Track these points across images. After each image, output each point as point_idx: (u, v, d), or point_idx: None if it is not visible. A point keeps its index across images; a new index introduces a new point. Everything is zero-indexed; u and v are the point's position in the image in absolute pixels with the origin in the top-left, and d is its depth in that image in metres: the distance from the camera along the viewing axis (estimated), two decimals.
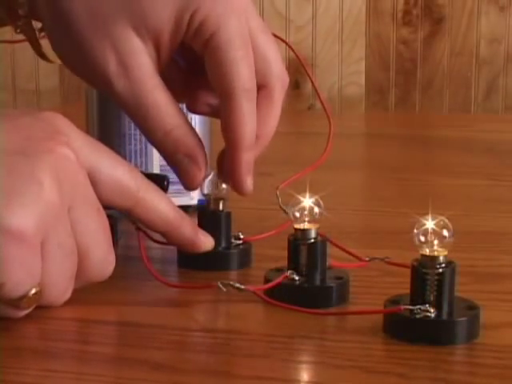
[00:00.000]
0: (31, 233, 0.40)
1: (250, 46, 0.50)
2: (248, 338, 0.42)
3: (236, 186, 0.50)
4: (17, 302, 0.42)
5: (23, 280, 0.41)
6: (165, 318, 0.45)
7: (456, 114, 1.60)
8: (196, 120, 0.66)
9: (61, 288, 0.44)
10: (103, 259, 0.45)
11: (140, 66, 0.49)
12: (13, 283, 0.41)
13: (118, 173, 0.46)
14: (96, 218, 0.44)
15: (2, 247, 0.40)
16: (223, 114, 0.50)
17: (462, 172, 0.87)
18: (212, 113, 0.53)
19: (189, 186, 0.51)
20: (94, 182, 0.45)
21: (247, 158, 0.50)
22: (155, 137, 0.50)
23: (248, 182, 0.50)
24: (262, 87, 0.51)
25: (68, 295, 0.44)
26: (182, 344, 0.42)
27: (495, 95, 1.63)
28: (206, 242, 0.50)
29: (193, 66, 0.53)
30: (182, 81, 0.53)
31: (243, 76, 0.49)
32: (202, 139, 0.63)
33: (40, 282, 0.42)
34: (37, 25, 0.56)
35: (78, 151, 0.44)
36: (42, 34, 0.57)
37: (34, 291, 0.42)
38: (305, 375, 0.40)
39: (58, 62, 0.57)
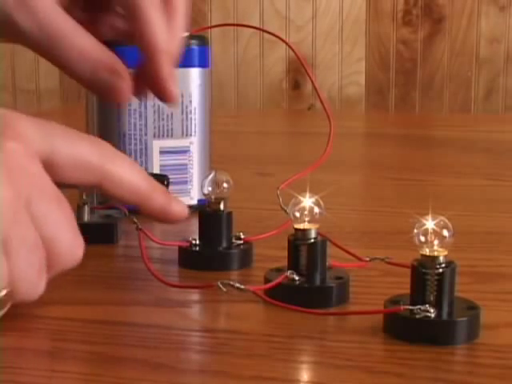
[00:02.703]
0: None
1: None
2: (248, 337, 0.42)
3: (162, 93, 0.51)
4: None
5: None
6: (165, 318, 0.45)
7: (456, 114, 1.61)
8: (196, 120, 0.66)
9: (31, 283, 0.42)
10: (70, 246, 0.44)
11: None
12: None
13: (77, 150, 0.45)
14: (56, 206, 0.43)
15: None
16: (134, 25, 0.51)
17: (462, 172, 0.87)
18: (117, 35, 0.54)
19: (118, 100, 0.51)
20: (54, 164, 0.44)
21: (167, 62, 0.51)
22: (70, 60, 0.49)
23: (173, 87, 0.51)
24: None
25: (41, 288, 0.43)
26: (182, 344, 0.42)
27: (495, 95, 1.63)
28: (180, 211, 0.48)
29: None
30: (80, 14, 0.54)
31: None
32: (202, 138, 0.63)
33: (9, 281, 0.41)
34: None
35: (30, 141, 0.43)
36: None
37: (3, 293, 0.41)
38: (305, 375, 0.40)
39: None
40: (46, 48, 0.49)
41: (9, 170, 0.41)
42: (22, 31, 0.49)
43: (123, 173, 0.46)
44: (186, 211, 0.49)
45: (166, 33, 0.51)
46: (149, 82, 0.51)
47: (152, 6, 0.51)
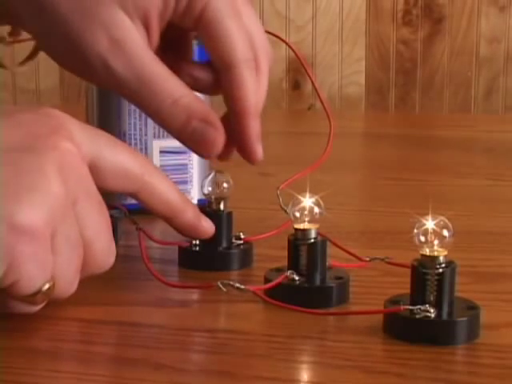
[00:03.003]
0: (42, 229, 0.40)
1: (241, 16, 0.50)
2: (248, 337, 0.42)
3: (249, 154, 0.50)
4: (31, 298, 0.42)
5: (36, 276, 0.41)
6: (165, 318, 0.45)
7: (456, 114, 1.60)
8: None
9: (69, 281, 0.44)
10: (106, 250, 0.45)
11: (133, 40, 0.48)
12: (26, 280, 0.40)
13: (120, 158, 0.46)
14: (98, 210, 0.44)
15: (14, 244, 0.39)
16: (227, 85, 0.49)
17: (462, 172, 0.87)
18: (195, 85, 0.52)
19: (210, 152, 0.50)
20: (98, 169, 0.45)
21: (256, 125, 0.50)
22: (163, 108, 0.48)
23: (260, 149, 0.50)
24: None
25: (74, 288, 0.44)
26: (182, 344, 0.42)
27: (495, 95, 1.63)
28: (207, 227, 0.50)
29: (169, 44, 0.52)
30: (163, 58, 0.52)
31: (242, 46, 0.49)
32: None
33: (52, 275, 0.42)
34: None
35: (79, 144, 0.44)
36: (11, 38, 0.57)
37: (47, 286, 0.42)
38: (305, 375, 0.40)
39: (13, 68, 0.57)
40: (137, 93, 0.48)
41: (62, 169, 0.42)
42: (115, 75, 0.48)
43: (160, 185, 0.48)
44: (213, 229, 0.51)
45: (256, 96, 0.50)
46: (235, 140, 0.50)
47: (248, 69, 0.49)
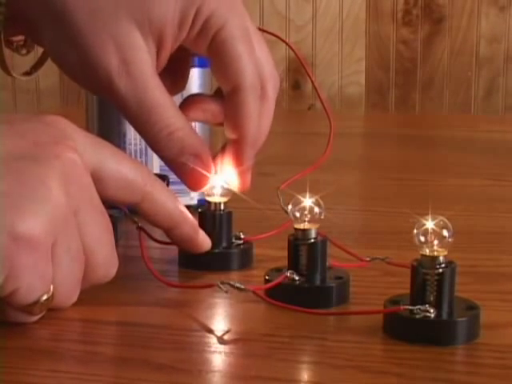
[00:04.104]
0: (42, 239, 0.40)
1: (252, 43, 0.50)
2: (248, 337, 0.42)
3: (239, 181, 0.51)
4: (29, 308, 0.42)
5: (36, 286, 0.41)
6: (165, 318, 0.45)
7: (456, 114, 1.61)
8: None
9: (70, 291, 0.44)
10: (108, 261, 0.45)
11: (142, 64, 0.48)
12: (25, 290, 0.40)
13: (123, 169, 0.46)
14: (100, 220, 0.44)
15: (15, 254, 0.39)
16: (230, 109, 0.50)
17: (462, 172, 0.87)
18: (205, 119, 0.53)
19: (195, 187, 0.51)
20: (100, 179, 0.45)
21: (251, 154, 0.51)
22: (158, 137, 0.49)
23: (249, 179, 0.51)
24: None
25: (75, 298, 0.44)
26: (182, 344, 0.42)
27: (495, 95, 1.63)
28: (204, 242, 0.51)
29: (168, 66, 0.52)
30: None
31: (250, 72, 0.49)
32: (202, 138, 0.63)
33: (51, 286, 0.42)
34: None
35: (82, 153, 0.44)
36: (24, 50, 0.57)
37: (46, 297, 0.42)
38: (305, 375, 0.40)
39: (17, 76, 0.57)
40: (136, 118, 0.49)
41: (65, 179, 0.42)
42: (118, 94, 0.48)
43: (161, 197, 0.48)
44: (209, 244, 0.51)
45: (258, 127, 0.51)
46: (227, 163, 0.51)
47: (253, 95, 0.50)
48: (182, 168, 0.50)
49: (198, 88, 0.66)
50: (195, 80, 0.66)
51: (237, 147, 0.50)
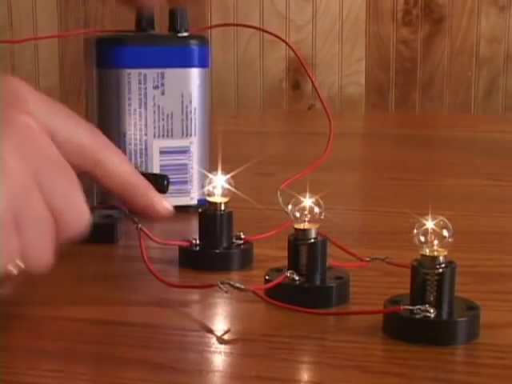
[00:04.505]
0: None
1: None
2: (248, 337, 0.42)
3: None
4: None
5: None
6: (165, 318, 0.45)
7: (456, 114, 1.60)
8: (196, 120, 0.66)
9: (44, 254, 0.43)
10: (78, 214, 0.44)
11: None
12: None
13: (77, 134, 0.46)
14: (63, 176, 0.44)
15: None
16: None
17: (462, 172, 0.87)
18: None
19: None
20: (53, 142, 0.44)
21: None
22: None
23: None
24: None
25: (51, 259, 0.43)
26: (182, 344, 0.42)
27: (495, 95, 1.63)
28: (163, 208, 0.49)
29: None
30: None
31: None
32: (202, 138, 0.63)
33: (21, 254, 0.41)
34: None
35: (37, 115, 0.43)
36: None
37: (11, 267, 0.41)
38: (305, 375, 0.40)
39: None
40: None
41: (19, 144, 0.41)
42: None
43: (114, 163, 0.47)
44: (169, 209, 0.49)
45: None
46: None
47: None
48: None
49: (198, 88, 0.66)
50: (195, 80, 0.66)
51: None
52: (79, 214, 0.44)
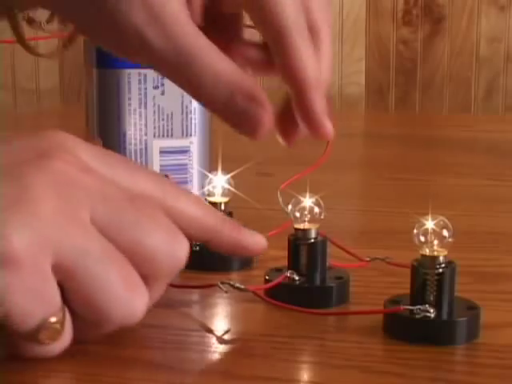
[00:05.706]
0: (25, 255, 0.36)
1: None
2: (248, 337, 0.42)
3: (316, 129, 0.44)
4: (34, 336, 0.37)
5: (32, 309, 0.36)
6: (165, 318, 0.45)
7: (456, 113, 1.61)
8: (196, 120, 0.66)
9: (121, 301, 0.39)
10: (165, 247, 0.40)
11: (173, 12, 0.43)
12: (19, 313, 0.36)
13: (138, 184, 0.41)
14: (129, 207, 0.40)
15: (2, 275, 0.35)
16: (280, 57, 0.44)
17: (462, 172, 0.87)
18: (250, 63, 0.47)
19: (255, 132, 0.44)
20: None
21: (319, 97, 0.44)
22: (204, 85, 0.43)
23: (328, 123, 0.44)
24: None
25: (140, 306, 0.39)
26: (182, 344, 0.42)
27: (495, 95, 1.63)
28: (255, 241, 0.46)
29: (217, 27, 0.47)
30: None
31: (291, 12, 0.43)
32: (202, 138, 0.63)
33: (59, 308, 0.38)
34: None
35: (83, 159, 0.40)
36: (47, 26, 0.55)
37: (53, 320, 0.37)
38: (305, 375, 0.40)
39: (43, 54, 0.55)
40: (176, 68, 0.43)
41: (55, 187, 0.38)
42: (153, 49, 0.43)
43: (187, 208, 0.42)
44: (262, 243, 0.46)
45: (316, 66, 0.44)
46: (299, 120, 0.45)
47: (301, 37, 0.43)
48: (236, 115, 0.43)
49: None
50: None
51: (302, 95, 0.44)
52: (168, 246, 0.41)
